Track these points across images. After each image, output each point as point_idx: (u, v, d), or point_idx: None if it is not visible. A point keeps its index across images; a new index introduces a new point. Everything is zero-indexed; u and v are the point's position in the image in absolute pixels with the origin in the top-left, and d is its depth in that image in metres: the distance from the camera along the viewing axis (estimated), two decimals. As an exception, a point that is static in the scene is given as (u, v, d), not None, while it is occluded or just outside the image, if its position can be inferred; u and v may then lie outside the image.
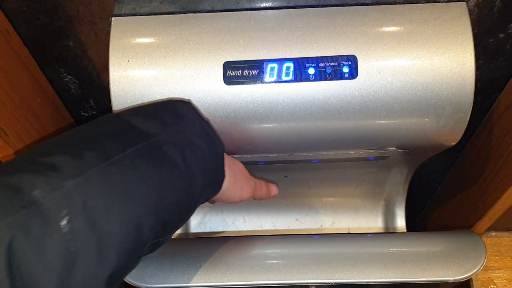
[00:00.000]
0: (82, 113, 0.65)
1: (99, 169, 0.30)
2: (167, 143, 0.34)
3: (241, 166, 0.46)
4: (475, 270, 0.47)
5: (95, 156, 0.30)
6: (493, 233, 0.69)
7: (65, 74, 0.58)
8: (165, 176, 0.33)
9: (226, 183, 0.41)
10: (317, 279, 0.47)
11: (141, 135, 0.34)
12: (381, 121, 0.44)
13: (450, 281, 0.46)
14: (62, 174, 0.28)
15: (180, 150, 0.35)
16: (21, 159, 0.30)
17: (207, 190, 0.39)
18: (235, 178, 0.43)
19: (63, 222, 0.27)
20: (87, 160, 0.30)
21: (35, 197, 0.27)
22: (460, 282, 0.47)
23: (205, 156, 0.37)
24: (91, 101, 0.63)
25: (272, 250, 0.51)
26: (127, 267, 0.32)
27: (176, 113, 0.39)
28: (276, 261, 0.49)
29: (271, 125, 0.44)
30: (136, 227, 0.31)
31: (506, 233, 0.69)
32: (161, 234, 0.34)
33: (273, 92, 0.42)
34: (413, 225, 0.92)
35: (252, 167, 0.52)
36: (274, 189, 0.51)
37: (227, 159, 0.42)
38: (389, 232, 0.66)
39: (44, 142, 0.32)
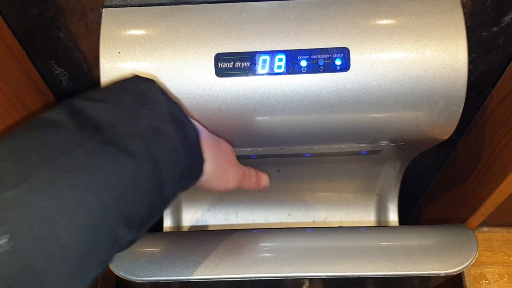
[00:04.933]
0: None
1: (43, 174, 0.26)
2: (127, 134, 0.31)
3: (228, 151, 0.43)
4: (466, 263, 0.47)
5: (40, 159, 0.27)
6: (486, 229, 0.70)
7: (55, 67, 0.58)
8: (124, 175, 0.30)
9: (208, 171, 0.38)
10: (308, 273, 0.47)
11: (96, 128, 0.31)
12: (373, 114, 0.44)
13: (441, 275, 0.46)
14: (1, 184, 0.25)
15: (144, 142, 0.32)
16: None
17: (183, 180, 0.36)
18: (218, 166, 0.40)
19: (2, 241, 0.24)
20: (31, 165, 0.27)
21: None
22: (452, 276, 0.47)
23: (175, 144, 0.34)
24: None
25: (264, 243, 0.51)
26: (87, 277, 0.29)
27: (140, 97, 0.35)
28: (268, 254, 0.49)
29: (263, 117, 0.44)
30: (92, 234, 0.28)
31: (498, 229, 0.70)
32: (128, 235, 0.31)
33: (265, 85, 0.42)
34: (406, 220, 0.92)
35: (245, 161, 0.51)
36: (264, 180, 0.48)
37: (210, 144, 0.40)
38: (381, 226, 0.66)
39: None
